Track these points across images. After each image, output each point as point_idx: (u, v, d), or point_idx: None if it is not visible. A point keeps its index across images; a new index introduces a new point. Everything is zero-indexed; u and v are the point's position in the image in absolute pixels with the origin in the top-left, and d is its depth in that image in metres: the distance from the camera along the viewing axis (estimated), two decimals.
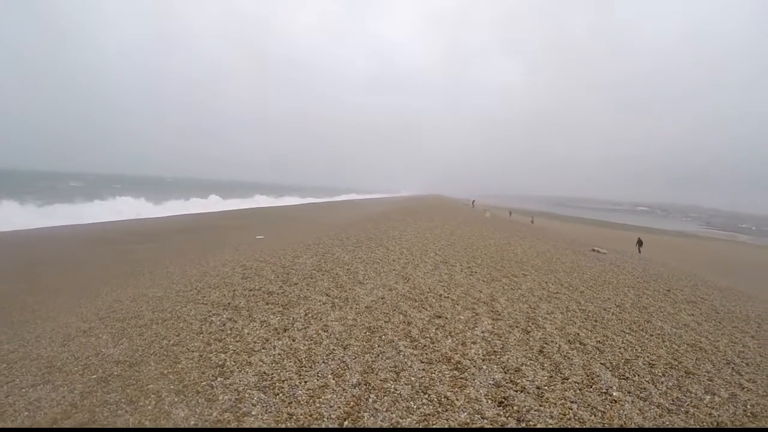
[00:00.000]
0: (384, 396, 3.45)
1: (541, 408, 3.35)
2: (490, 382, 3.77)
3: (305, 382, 3.65)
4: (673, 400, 3.65)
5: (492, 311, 5.90)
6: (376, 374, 3.81)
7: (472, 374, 3.90)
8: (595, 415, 3.30)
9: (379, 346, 4.44)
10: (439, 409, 3.29)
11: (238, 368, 3.90)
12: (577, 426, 3.16)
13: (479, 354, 4.37)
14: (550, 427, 3.14)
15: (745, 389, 4.04)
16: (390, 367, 3.96)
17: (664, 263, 15.48)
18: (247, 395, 3.43)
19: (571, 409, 3.35)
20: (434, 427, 3.13)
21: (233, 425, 3.07)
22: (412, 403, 3.37)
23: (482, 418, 3.20)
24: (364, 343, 4.51)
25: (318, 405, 3.30)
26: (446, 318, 5.47)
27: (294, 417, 3.16)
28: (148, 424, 3.10)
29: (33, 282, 8.56)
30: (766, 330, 6.46)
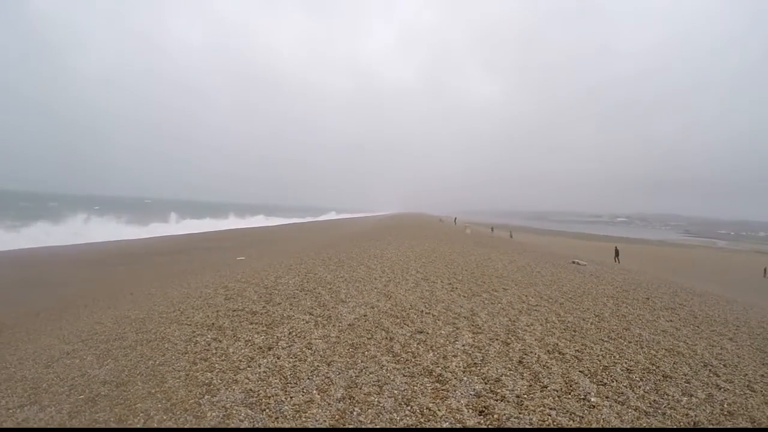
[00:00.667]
0: (368, 409, 3.51)
1: (521, 415, 3.45)
2: (471, 392, 3.86)
3: (291, 397, 3.68)
4: (650, 403, 3.77)
5: (472, 325, 5.99)
6: (360, 388, 3.87)
7: (453, 386, 3.98)
8: (573, 420, 3.41)
9: (362, 362, 4.50)
10: (422, 420, 3.36)
11: (224, 386, 3.91)
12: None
13: (460, 366, 4.45)
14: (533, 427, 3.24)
15: (722, 389, 4.17)
16: (373, 382, 4.01)
17: (644, 272, 15.92)
18: (234, 411, 3.45)
19: (550, 416, 3.46)
20: (426, 427, 3.20)
21: None
22: (395, 414, 3.43)
23: (464, 427, 3.29)
24: (348, 359, 4.56)
25: (304, 419, 3.34)
26: (427, 333, 5.54)
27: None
28: None
29: (11, 304, 8.32)
30: (744, 332, 6.64)
